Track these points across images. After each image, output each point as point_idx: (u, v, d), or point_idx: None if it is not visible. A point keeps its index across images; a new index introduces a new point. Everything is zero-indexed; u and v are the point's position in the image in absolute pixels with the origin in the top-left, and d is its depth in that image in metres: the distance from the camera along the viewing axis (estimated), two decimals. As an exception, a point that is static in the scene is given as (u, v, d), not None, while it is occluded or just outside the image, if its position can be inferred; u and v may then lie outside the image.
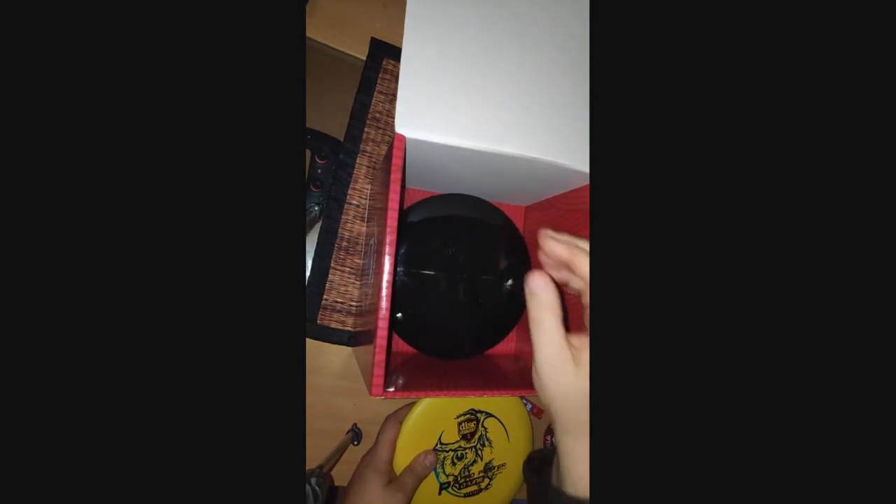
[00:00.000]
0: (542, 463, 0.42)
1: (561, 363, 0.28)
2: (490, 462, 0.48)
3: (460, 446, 0.46)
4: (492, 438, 0.47)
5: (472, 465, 0.47)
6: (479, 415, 0.46)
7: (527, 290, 0.29)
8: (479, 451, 0.47)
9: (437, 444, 0.45)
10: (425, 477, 0.44)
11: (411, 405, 0.46)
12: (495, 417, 0.47)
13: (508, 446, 0.48)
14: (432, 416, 0.45)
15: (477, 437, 0.47)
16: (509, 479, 0.49)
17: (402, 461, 0.44)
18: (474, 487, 0.47)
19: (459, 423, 0.46)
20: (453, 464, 0.47)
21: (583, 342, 0.29)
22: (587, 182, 0.42)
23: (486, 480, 0.48)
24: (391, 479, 0.42)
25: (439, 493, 0.47)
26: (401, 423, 0.45)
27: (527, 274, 0.29)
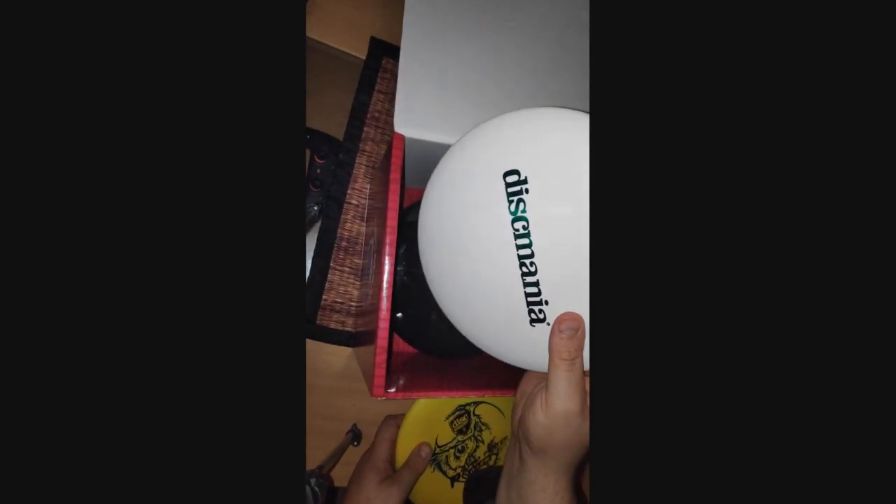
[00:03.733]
0: (479, 484, 0.43)
1: (576, 416, 0.28)
2: (492, 441, 0.48)
3: (458, 441, 0.47)
4: (487, 422, 0.48)
5: (475, 451, 0.48)
6: (468, 407, 0.47)
7: (560, 329, 0.28)
8: (478, 437, 0.48)
9: (434, 449, 0.46)
10: (423, 470, 0.44)
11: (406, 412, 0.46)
12: (485, 402, 0.47)
13: (505, 421, 0.48)
14: (424, 422, 0.45)
15: (472, 426, 0.47)
16: None
17: (401, 462, 0.44)
18: (484, 468, 0.48)
19: (451, 422, 0.46)
20: (456, 457, 0.47)
21: (588, 387, 0.29)
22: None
23: (493, 457, 0.49)
24: (387, 476, 0.42)
25: (452, 486, 0.47)
26: (399, 427, 0.45)
27: (562, 315, 0.28)
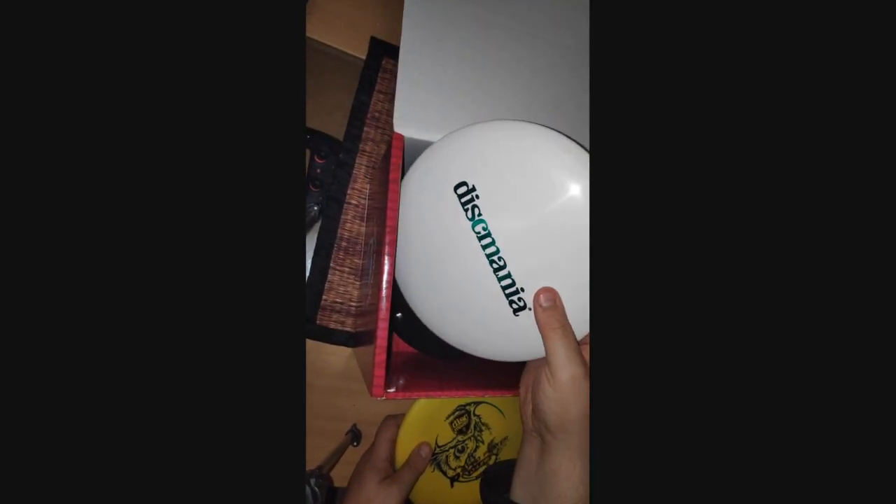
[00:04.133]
0: (496, 477, 0.42)
1: (582, 379, 0.29)
2: (492, 441, 0.48)
3: (458, 441, 0.47)
4: (487, 422, 0.48)
5: (475, 451, 0.48)
6: (468, 407, 0.47)
7: (540, 304, 0.31)
8: (478, 437, 0.48)
9: (434, 449, 0.46)
10: (423, 469, 0.44)
11: (406, 412, 0.46)
12: (485, 403, 0.47)
13: (505, 421, 0.48)
14: (424, 422, 0.45)
15: (472, 426, 0.47)
16: (514, 447, 0.49)
17: (401, 462, 0.44)
18: (483, 467, 0.49)
19: (451, 422, 0.46)
20: (456, 457, 0.47)
21: (587, 355, 0.30)
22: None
23: (493, 457, 0.49)
24: (388, 476, 0.42)
25: (452, 486, 0.47)
26: (399, 427, 0.45)
27: (536, 293, 0.31)
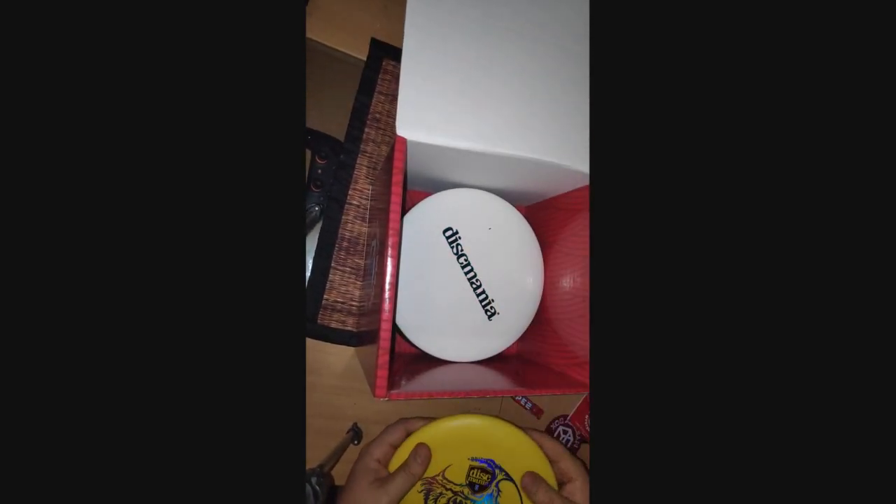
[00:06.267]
0: None
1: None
2: None
3: (463, 493, 0.41)
4: (502, 502, 0.41)
5: None
6: (497, 471, 0.41)
7: (524, 487, 0.40)
8: None
9: (439, 475, 0.41)
10: (419, 476, 0.39)
11: (427, 422, 0.41)
12: (514, 484, 0.41)
13: None
14: (443, 442, 0.40)
15: (486, 494, 0.41)
16: None
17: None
18: None
19: (471, 468, 0.41)
20: None
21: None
22: (587, 182, 0.42)
23: None
24: (379, 478, 0.39)
25: None
26: (408, 433, 0.41)
27: (522, 479, 0.40)
